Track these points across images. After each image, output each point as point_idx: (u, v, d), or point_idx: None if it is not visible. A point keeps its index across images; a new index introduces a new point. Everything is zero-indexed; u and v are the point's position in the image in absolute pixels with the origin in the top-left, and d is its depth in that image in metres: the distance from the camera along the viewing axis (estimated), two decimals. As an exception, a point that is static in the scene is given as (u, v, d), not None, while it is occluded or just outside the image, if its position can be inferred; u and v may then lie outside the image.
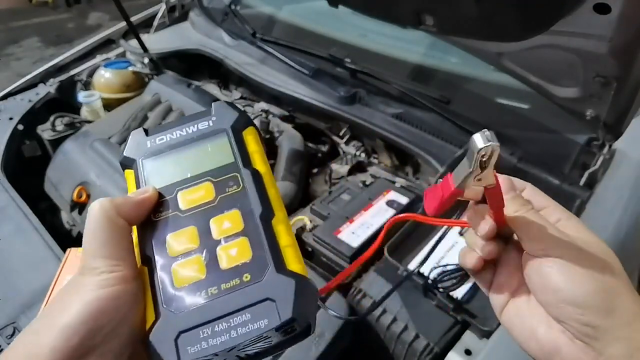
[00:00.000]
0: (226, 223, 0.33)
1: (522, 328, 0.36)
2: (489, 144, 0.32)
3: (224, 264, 0.31)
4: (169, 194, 0.34)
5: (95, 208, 0.33)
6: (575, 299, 0.33)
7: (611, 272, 0.34)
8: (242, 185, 0.34)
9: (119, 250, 0.32)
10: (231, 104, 0.39)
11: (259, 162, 0.36)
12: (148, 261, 0.32)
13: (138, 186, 0.35)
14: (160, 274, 0.31)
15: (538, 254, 0.35)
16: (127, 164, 0.37)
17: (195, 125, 0.38)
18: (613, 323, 0.32)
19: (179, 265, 0.31)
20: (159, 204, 0.34)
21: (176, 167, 0.36)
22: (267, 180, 0.35)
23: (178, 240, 0.32)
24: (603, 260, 0.35)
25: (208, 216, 0.33)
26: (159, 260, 0.32)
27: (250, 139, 0.38)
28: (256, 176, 0.35)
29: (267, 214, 0.33)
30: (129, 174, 0.37)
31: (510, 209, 0.37)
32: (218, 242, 0.32)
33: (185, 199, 0.34)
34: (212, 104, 0.39)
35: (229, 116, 0.38)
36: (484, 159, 0.33)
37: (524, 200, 0.38)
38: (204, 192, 0.34)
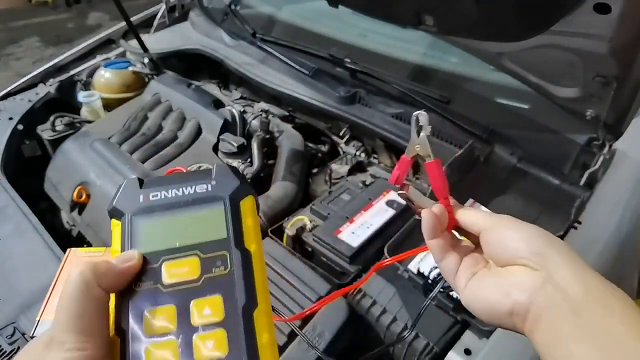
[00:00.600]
0: (207, 309, 0.31)
1: (484, 290, 0.42)
2: (420, 111, 0.47)
3: (198, 355, 0.30)
4: (154, 262, 0.33)
5: (74, 276, 0.31)
6: (524, 239, 0.41)
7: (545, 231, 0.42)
8: (229, 267, 0.33)
9: (91, 324, 0.30)
10: (234, 169, 0.38)
11: (252, 239, 0.35)
12: (122, 333, 0.31)
13: (123, 244, 0.34)
14: (132, 352, 0.30)
15: (488, 225, 0.44)
16: (116, 215, 0.36)
17: (193, 187, 0.36)
18: (556, 252, 0.39)
19: (153, 346, 0.30)
20: (142, 271, 0.33)
21: (165, 233, 0.34)
22: (257, 263, 0.34)
23: (156, 317, 0.31)
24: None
25: (190, 297, 0.32)
26: (133, 336, 0.31)
27: (247, 210, 0.36)
28: (246, 259, 0.33)
29: (250, 306, 0.31)
30: (116, 225, 0.35)
31: (460, 212, 0.47)
32: (196, 329, 0.31)
33: (170, 272, 0.33)
34: (215, 165, 0.38)
35: (230, 184, 0.36)
36: (420, 125, 0.47)
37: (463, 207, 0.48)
38: (188, 268, 0.33)
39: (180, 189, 0.36)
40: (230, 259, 0.33)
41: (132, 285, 0.32)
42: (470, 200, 0.88)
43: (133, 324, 0.31)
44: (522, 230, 0.42)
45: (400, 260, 0.57)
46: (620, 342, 0.33)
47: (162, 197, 0.36)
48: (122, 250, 0.34)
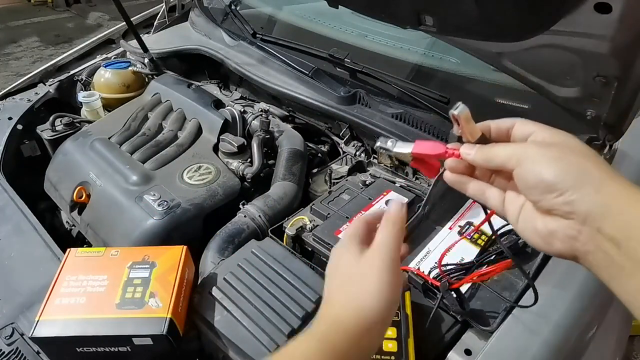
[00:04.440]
0: (389, 332, 0.71)
1: (531, 234, 0.44)
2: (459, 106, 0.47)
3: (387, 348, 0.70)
4: None
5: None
6: (548, 187, 0.40)
7: (576, 154, 0.41)
8: (400, 317, 0.73)
9: None
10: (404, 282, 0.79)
11: (408, 309, 0.75)
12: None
13: None
14: None
15: (511, 165, 0.43)
16: None
17: None
18: (585, 193, 0.38)
19: None
20: None
21: None
22: (410, 318, 0.74)
23: None
24: (567, 147, 0.42)
25: None
26: None
27: (407, 295, 0.77)
28: (406, 316, 0.73)
29: (406, 334, 0.72)
30: None
31: (483, 153, 0.46)
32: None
33: None
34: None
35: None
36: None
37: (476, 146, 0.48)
38: None
39: None
40: (401, 314, 0.73)
41: None
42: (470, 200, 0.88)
43: None
44: (545, 173, 0.40)
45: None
46: None
47: None
48: None
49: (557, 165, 0.40)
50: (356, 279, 0.48)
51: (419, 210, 0.95)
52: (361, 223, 0.53)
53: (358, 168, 1.25)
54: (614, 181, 0.38)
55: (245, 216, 1.06)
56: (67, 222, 1.28)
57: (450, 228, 0.93)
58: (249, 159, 1.23)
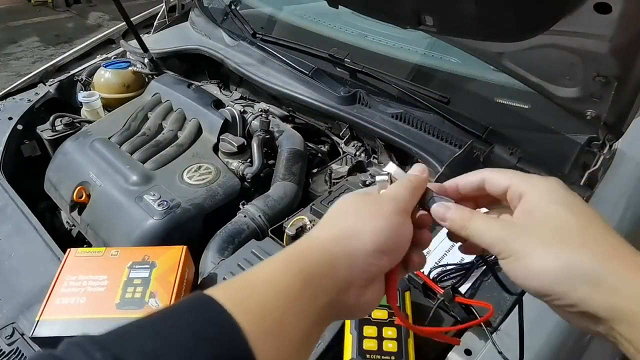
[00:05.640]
0: (389, 332, 0.71)
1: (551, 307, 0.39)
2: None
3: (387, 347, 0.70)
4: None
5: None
6: (542, 293, 0.36)
7: (566, 242, 0.35)
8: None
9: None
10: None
11: (409, 309, 0.75)
12: None
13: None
14: None
15: (495, 253, 0.38)
16: None
17: None
18: (587, 296, 0.33)
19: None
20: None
21: None
22: (410, 321, 0.73)
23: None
24: (553, 222, 0.36)
25: (382, 326, 0.72)
26: None
27: (408, 295, 0.77)
28: (407, 315, 0.73)
29: (407, 335, 0.71)
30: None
31: (457, 225, 0.41)
32: (383, 338, 0.71)
33: (376, 314, 0.73)
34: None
35: (404, 285, 0.78)
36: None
37: (464, 211, 0.41)
38: (382, 314, 0.73)
39: None
40: (401, 314, 0.65)
41: None
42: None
43: None
44: (540, 275, 0.35)
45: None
46: None
47: None
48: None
49: (548, 266, 0.35)
50: (354, 211, 0.41)
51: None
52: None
53: (358, 168, 1.25)
54: (617, 270, 0.33)
55: (245, 216, 1.06)
56: (67, 222, 1.28)
57: (450, 228, 0.93)
58: (249, 159, 1.23)
